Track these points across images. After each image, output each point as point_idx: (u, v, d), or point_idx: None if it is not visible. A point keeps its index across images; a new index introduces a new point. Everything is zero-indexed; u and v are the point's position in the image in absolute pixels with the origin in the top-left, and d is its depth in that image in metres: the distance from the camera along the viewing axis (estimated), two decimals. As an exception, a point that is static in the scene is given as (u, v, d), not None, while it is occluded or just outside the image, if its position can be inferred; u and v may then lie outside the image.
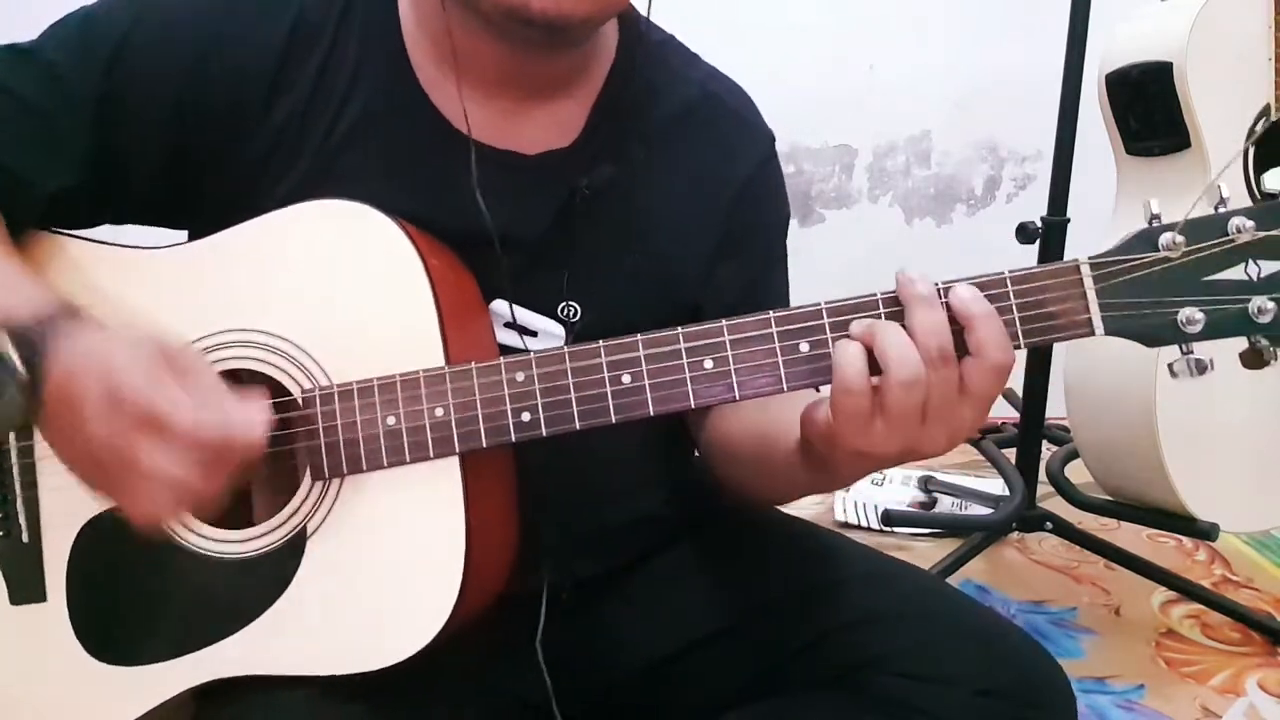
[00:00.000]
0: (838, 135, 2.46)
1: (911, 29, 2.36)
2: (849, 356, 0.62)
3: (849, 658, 0.78)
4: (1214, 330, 0.62)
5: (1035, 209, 1.61)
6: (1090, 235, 1.54)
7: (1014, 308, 0.63)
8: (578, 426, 0.68)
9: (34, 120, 0.74)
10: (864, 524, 1.97)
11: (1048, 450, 1.86)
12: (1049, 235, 1.58)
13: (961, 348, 0.62)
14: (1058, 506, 1.74)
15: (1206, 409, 1.41)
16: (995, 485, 1.96)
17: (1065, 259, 0.64)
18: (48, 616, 0.73)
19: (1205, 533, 1.44)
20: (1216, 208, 0.63)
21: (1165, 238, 0.62)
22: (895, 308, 0.64)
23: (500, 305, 0.80)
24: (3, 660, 0.73)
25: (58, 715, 0.72)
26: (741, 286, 0.88)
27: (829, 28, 2.35)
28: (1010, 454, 1.82)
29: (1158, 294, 0.62)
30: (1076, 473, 1.71)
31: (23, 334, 0.62)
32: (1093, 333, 0.63)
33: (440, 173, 0.78)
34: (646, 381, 0.67)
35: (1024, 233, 1.59)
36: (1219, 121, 1.40)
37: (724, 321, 0.66)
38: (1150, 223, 0.63)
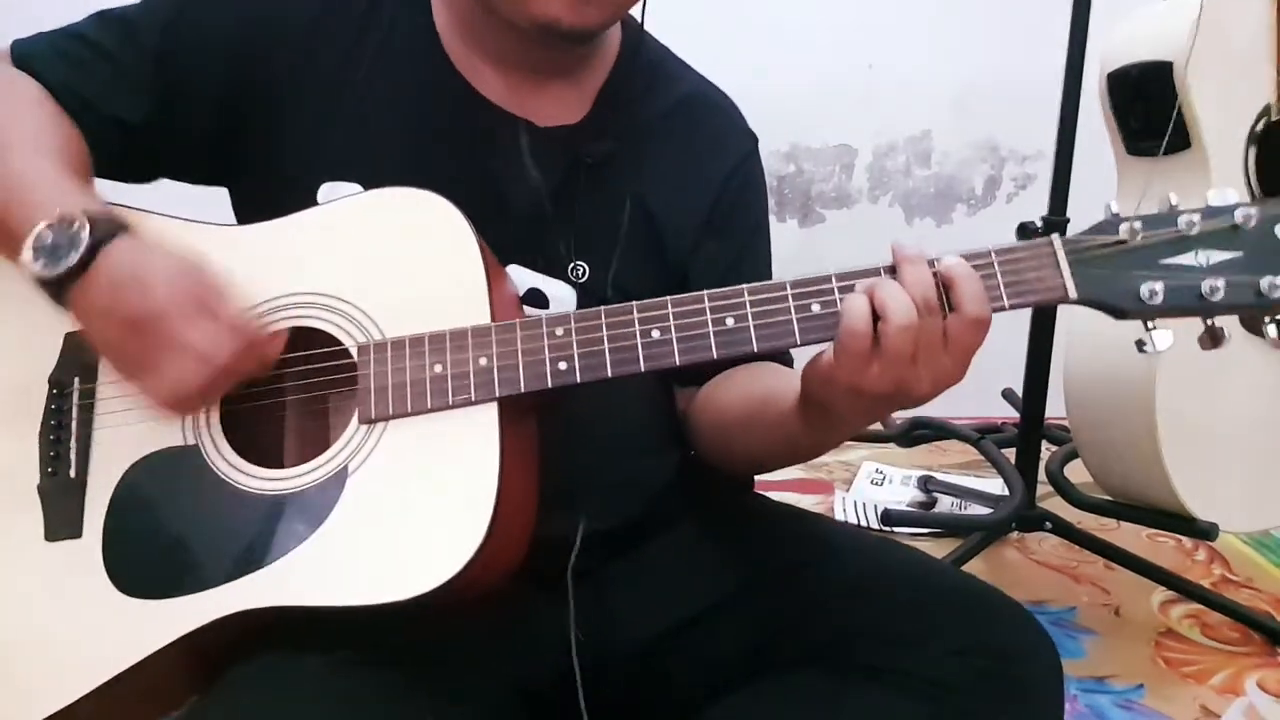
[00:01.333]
0: (838, 135, 2.47)
1: (911, 29, 2.36)
2: (857, 303, 0.70)
3: (835, 628, 0.80)
4: (1173, 301, 0.70)
5: (1035, 209, 1.61)
6: (1090, 235, 1.55)
7: (998, 274, 0.72)
8: (609, 374, 0.74)
9: (106, 63, 0.85)
10: (864, 524, 1.98)
11: (1047, 450, 1.86)
12: (1049, 235, 1.58)
13: (946, 306, 0.71)
14: (1057, 506, 1.74)
15: (1206, 409, 1.41)
16: (995, 485, 1.96)
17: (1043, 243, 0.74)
18: (81, 552, 0.75)
19: (1205, 532, 1.45)
20: (1168, 208, 0.73)
21: (1125, 225, 0.72)
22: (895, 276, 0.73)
23: (516, 271, 0.87)
24: (30, 594, 0.75)
25: (79, 645, 0.73)
26: (726, 261, 0.95)
27: (829, 28, 2.35)
28: (1010, 454, 1.82)
29: (1122, 268, 0.71)
30: (1076, 473, 1.72)
31: (96, 217, 0.72)
32: (1068, 297, 0.71)
33: (464, 137, 0.88)
34: (674, 335, 0.74)
35: (1024, 232, 1.59)
36: (1219, 121, 1.40)
37: (745, 286, 0.74)
38: (1109, 216, 0.73)
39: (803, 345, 0.74)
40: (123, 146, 0.86)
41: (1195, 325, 0.72)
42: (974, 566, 1.71)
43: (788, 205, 2.47)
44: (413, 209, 0.79)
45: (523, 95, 0.90)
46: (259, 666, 0.70)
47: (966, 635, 0.77)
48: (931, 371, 0.71)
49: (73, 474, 0.77)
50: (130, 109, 0.85)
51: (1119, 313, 0.72)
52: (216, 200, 0.91)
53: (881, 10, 2.35)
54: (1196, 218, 0.70)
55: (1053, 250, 0.72)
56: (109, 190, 0.81)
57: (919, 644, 0.76)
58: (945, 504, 2.02)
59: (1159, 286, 0.70)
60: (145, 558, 0.75)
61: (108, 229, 0.72)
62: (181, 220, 0.82)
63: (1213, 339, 0.72)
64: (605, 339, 0.74)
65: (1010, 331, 1.75)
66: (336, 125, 0.86)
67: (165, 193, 0.90)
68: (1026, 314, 1.67)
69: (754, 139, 1.01)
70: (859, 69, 2.40)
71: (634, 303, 0.74)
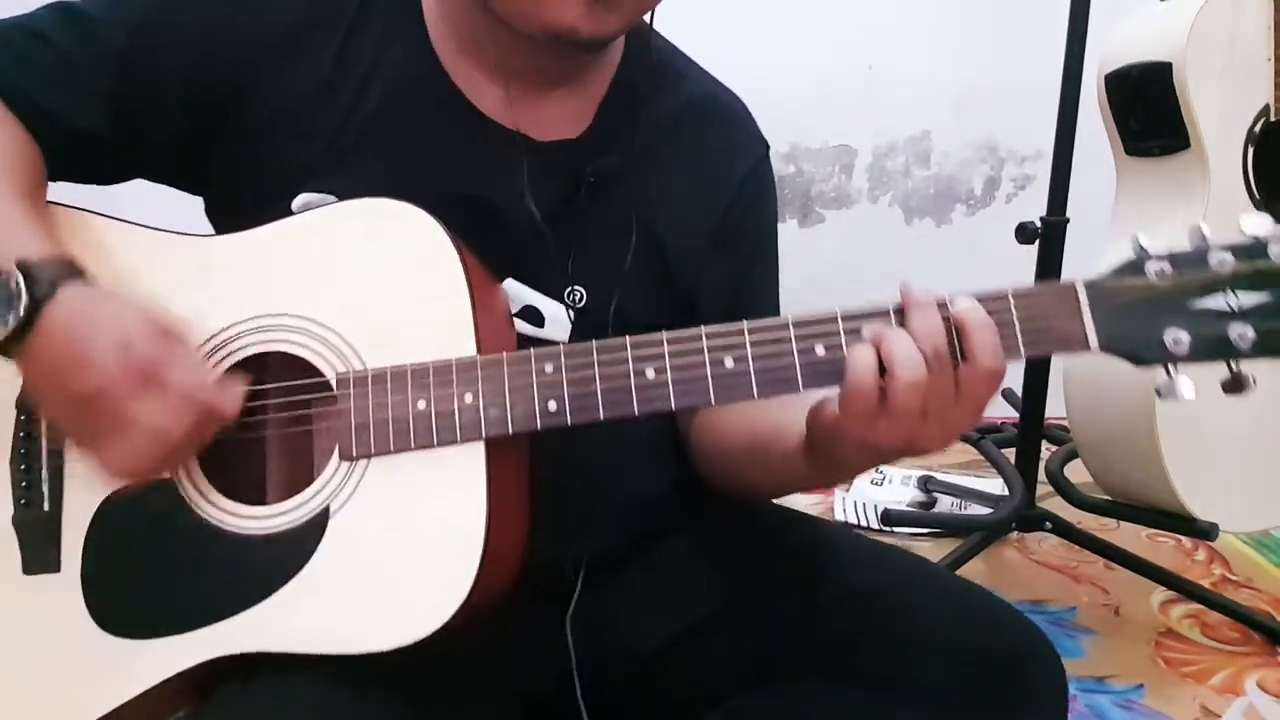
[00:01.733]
0: (838, 135, 2.47)
1: (911, 30, 2.36)
2: (863, 356, 0.66)
3: (838, 635, 0.79)
4: (1198, 350, 0.66)
5: (1035, 209, 1.61)
6: (1090, 235, 1.55)
7: (1015, 321, 0.67)
8: (601, 417, 0.70)
9: (61, 64, 0.79)
10: (864, 524, 1.98)
11: (1047, 450, 1.86)
12: (1049, 235, 1.58)
13: (958, 354, 0.66)
14: (1057, 506, 1.74)
15: (1206, 409, 1.41)
16: (995, 485, 1.96)
17: (1060, 274, 0.67)
18: (59, 587, 0.73)
19: (1205, 532, 1.45)
20: (1197, 245, 0.67)
21: (1152, 265, 0.67)
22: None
23: (513, 286, 0.83)
24: (10, 630, 0.73)
25: (61, 686, 0.72)
26: (734, 278, 0.92)
27: (829, 28, 2.35)
28: (1010, 454, 1.82)
29: (1147, 315, 0.67)
30: (1076, 473, 1.71)
31: (33, 269, 0.66)
32: (1088, 347, 0.67)
33: (459, 152, 0.83)
34: (670, 377, 0.70)
35: (1024, 233, 1.59)
36: (1218, 121, 1.40)
37: (745, 323, 0.70)
38: (1137, 254, 0.67)
39: (805, 390, 0.69)
40: (78, 155, 0.81)
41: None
42: (974, 566, 1.71)
43: (787, 205, 2.47)
44: (391, 222, 0.75)
45: (521, 107, 0.84)
46: (250, 685, 0.69)
47: (971, 643, 0.76)
48: (942, 424, 0.67)
49: (46, 507, 0.74)
50: (87, 118, 0.79)
51: (1140, 361, 0.67)
52: (196, 201, 0.88)
53: (881, 11, 2.36)
54: (1229, 256, 0.66)
55: (1075, 295, 0.67)
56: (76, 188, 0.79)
57: (923, 652, 0.76)
58: (945, 504, 2.02)
59: (1184, 335, 0.66)
60: (126, 596, 0.73)
61: (49, 282, 0.66)
62: (150, 229, 0.78)
63: (1237, 385, 0.67)
64: (597, 377, 0.70)
65: (1010, 332, 1.75)
66: (316, 135, 0.80)
67: (143, 195, 0.88)
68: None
69: (765, 145, 0.96)
70: (859, 69, 2.40)
71: (628, 338, 0.70)
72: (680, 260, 0.88)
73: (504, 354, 0.72)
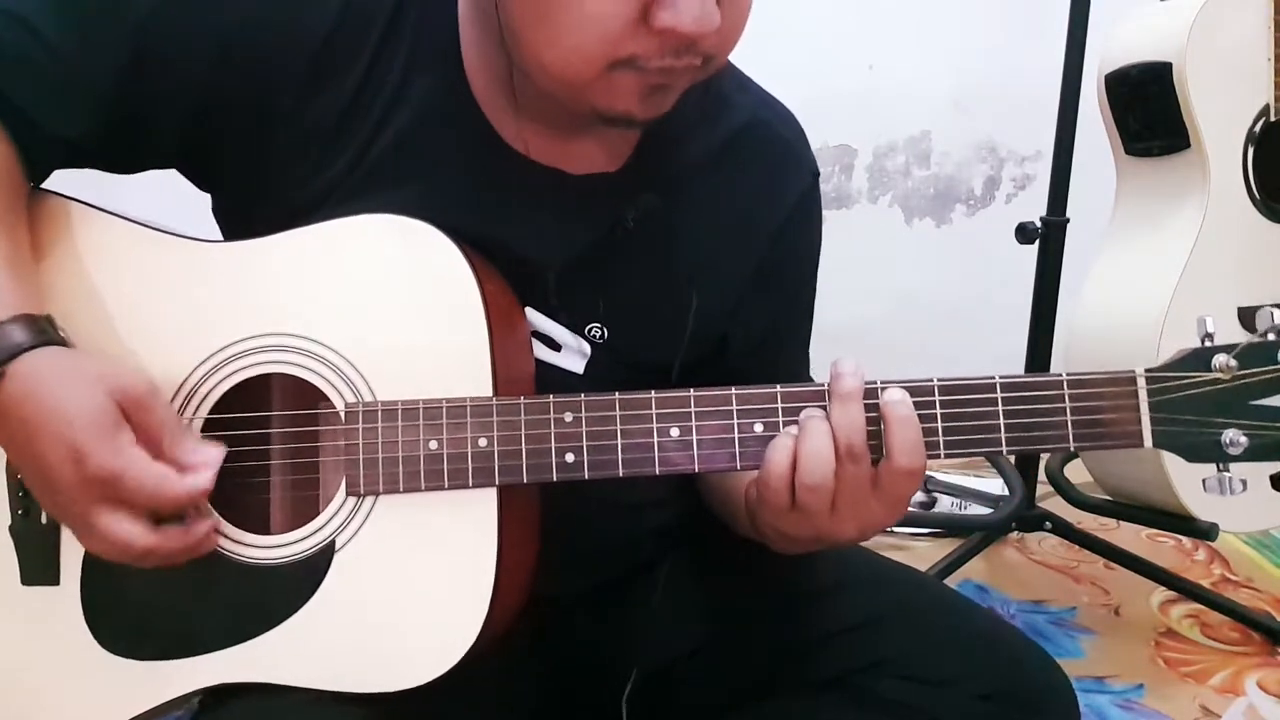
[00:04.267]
0: (837, 135, 2.46)
1: (911, 29, 2.36)
2: (777, 454, 0.66)
3: (849, 661, 0.78)
4: (1255, 454, 0.65)
5: (1035, 209, 1.61)
6: (1090, 235, 1.55)
7: (1068, 410, 0.65)
8: (620, 474, 0.68)
9: (56, 64, 0.71)
10: (863, 524, 1.97)
11: (1047, 450, 1.86)
12: (1049, 235, 1.58)
13: (881, 448, 0.65)
14: (1057, 506, 1.74)
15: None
16: (995, 485, 1.96)
17: (1122, 370, 0.66)
18: (59, 600, 0.72)
19: (1204, 532, 1.44)
20: (1266, 334, 0.65)
21: (1219, 359, 0.65)
22: None
23: (533, 315, 0.79)
24: (8, 642, 0.72)
25: (61, 702, 0.72)
26: (769, 317, 0.88)
27: (829, 28, 2.34)
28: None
29: (1207, 413, 0.65)
30: (1076, 472, 1.71)
31: None
32: (1141, 444, 0.65)
33: (486, 184, 0.77)
34: (694, 438, 0.68)
35: (1024, 233, 1.59)
36: (1218, 121, 1.40)
37: (779, 387, 0.68)
38: (1203, 341, 0.65)
39: (742, 469, 0.69)
40: (69, 161, 0.76)
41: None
42: (973, 566, 1.71)
43: (787, 205, 2.47)
44: (407, 242, 0.71)
45: (556, 141, 0.78)
46: (245, 701, 0.69)
47: (993, 679, 0.76)
48: (857, 519, 0.66)
49: (45, 519, 0.72)
50: (81, 125, 0.73)
51: (1191, 458, 0.66)
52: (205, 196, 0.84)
53: (881, 11, 2.35)
54: None
55: (1135, 389, 0.64)
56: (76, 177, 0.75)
57: (949, 685, 0.75)
58: (945, 504, 2.01)
59: (1243, 437, 0.64)
60: (126, 615, 0.71)
61: (8, 349, 0.64)
62: (154, 229, 0.75)
63: None
64: (619, 433, 0.68)
65: (1010, 331, 1.75)
66: (338, 159, 0.75)
67: (150, 188, 0.85)
68: (1024, 312, 1.67)
69: (814, 172, 0.89)
70: (859, 69, 2.40)
71: (654, 394, 0.68)
72: (713, 304, 0.83)
73: (521, 398, 0.70)
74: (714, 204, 0.83)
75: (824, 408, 0.67)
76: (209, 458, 0.67)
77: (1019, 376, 0.65)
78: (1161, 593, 1.68)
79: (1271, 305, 0.65)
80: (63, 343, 0.67)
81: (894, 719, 0.76)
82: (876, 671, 0.77)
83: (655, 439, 0.68)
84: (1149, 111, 1.45)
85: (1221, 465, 0.66)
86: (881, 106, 2.42)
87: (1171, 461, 1.41)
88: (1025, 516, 1.69)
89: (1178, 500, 1.42)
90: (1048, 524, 1.68)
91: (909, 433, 0.64)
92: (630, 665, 0.84)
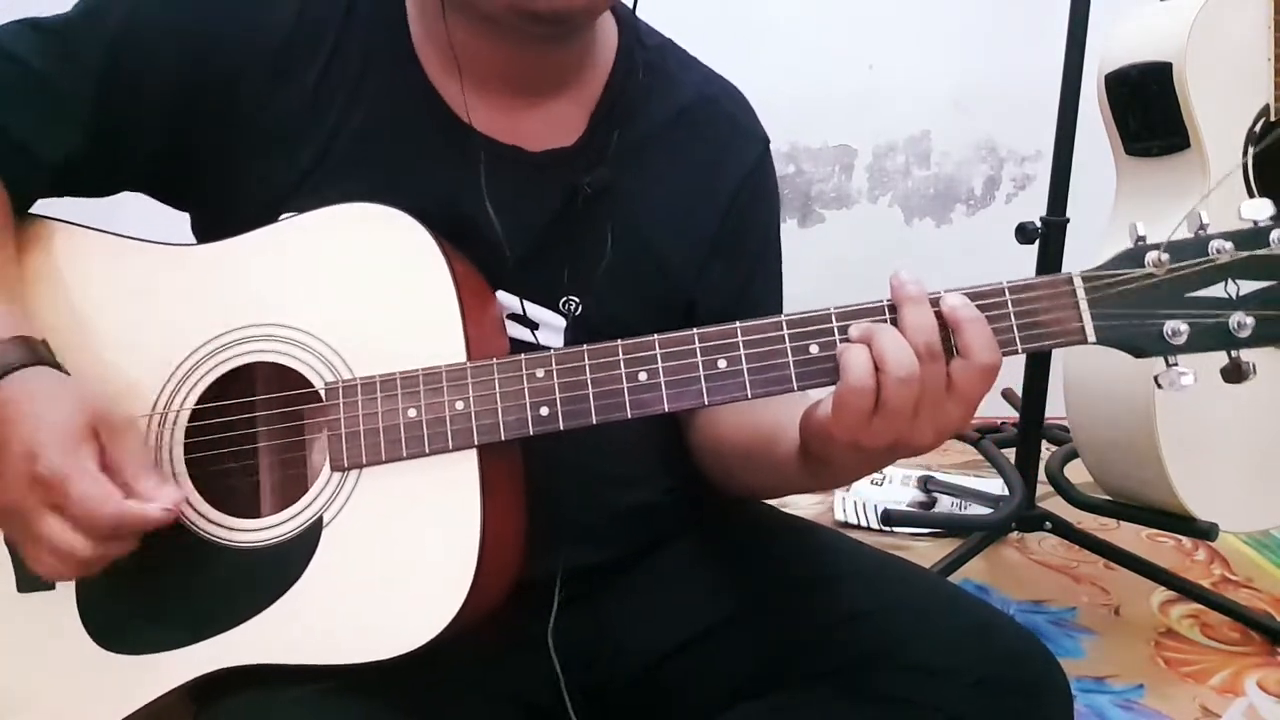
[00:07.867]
0: (838, 135, 2.46)
1: (911, 29, 2.36)
2: (857, 356, 0.65)
3: (848, 652, 0.79)
4: (1197, 342, 0.66)
5: (1035, 209, 1.61)
6: (1090, 235, 1.55)
7: (1012, 315, 0.67)
8: (594, 421, 0.70)
9: (38, 90, 0.76)
10: (864, 524, 1.98)
11: (1047, 450, 1.86)
12: (1049, 235, 1.58)
13: (951, 350, 0.66)
14: (1057, 506, 1.74)
15: (1206, 409, 1.41)
16: (995, 485, 1.96)
17: (1060, 272, 0.68)
18: (55, 604, 0.73)
19: (1204, 532, 1.45)
20: (1197, 232, 0.67)
21: (1151, 256, 0.67)
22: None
23: (505, 297, 0.82)
24: (6, 648, 0.73)
25: (61, 703, 0.72)
26: (735, 283, 0.91)
27: (829, 28, 2.35)
28: (1010, 454, 1.82)
29: (1145, 306, 0.66)
30: (1076, 473, 1.71)
31: None
32: (1085, 340, 0.67)
33: (448, 166, 0.81)
34: (663, 379, 0.70)
35: (1024, 233, 1.59)
36: (1218, 121, 1.40)
37: (738, 324, 0.69)
38: (1136, 243, 0.67)
39: (800, 390, 0.70)
40: (54, 186, 0.79)
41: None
42: (974, 566, 1.71)
43: (787, 205, 2.47)
44: (375, 227, 0.74)
45: (513, 118, 0.83)
46: (244, 697, 0.70)
47: (989, 667, 0.76)
48: (934, 422, 0.67)
49: None
50: (65, 146, 0.77)
51: (1138, 352, 0.67)
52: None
53: (881, 11, 2.35)
54: (1229, 245, 0.65)
55: (1072, 289, 0.67)
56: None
57: (942, 675, 0.76)
58: (945, 504, 2.02)
59: (1183, 325, 0.66)
60: (120, 612, 0.72)
61: (2, 366, 0.67)
62: (129, 239, 0.78)
63: (1236, 373, 0.67)
64: (589, 382, 0.70)
65: (1010, 331, 1.75)
66: (302, 155, 0.79)
67: (135, 209, 0.87)
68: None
69: (764, 141, 0.94)
70: (859, 69, 2.40)
71: (619, 342, 0.70)
72: (678, 269, 0.88)
73: (494, 359, 0.71)
74: (669, 172, 0.88)
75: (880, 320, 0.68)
76: (166, 496, 0.68)
77: (963, 289, 0.67)
78: (1161, 593, 1.68)
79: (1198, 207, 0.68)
80: (58, 367, 0.70)
81: (891, 709, 0.76)
82: (873, 663, 0.78)
83: (625, 384, 0.70)
84: (1149, 111, 1.45)
85: (1169, 359, 0.67)
86: (881, 106, 2.42)
87: (1172, 461, 1.42)
88: (1025, 516, 1.69)
89: (1178, 500, 1.42)
90: (1048, 524, 1.68)
91: (982, 329, 0.66)
92: (625, 656, 0.85)
